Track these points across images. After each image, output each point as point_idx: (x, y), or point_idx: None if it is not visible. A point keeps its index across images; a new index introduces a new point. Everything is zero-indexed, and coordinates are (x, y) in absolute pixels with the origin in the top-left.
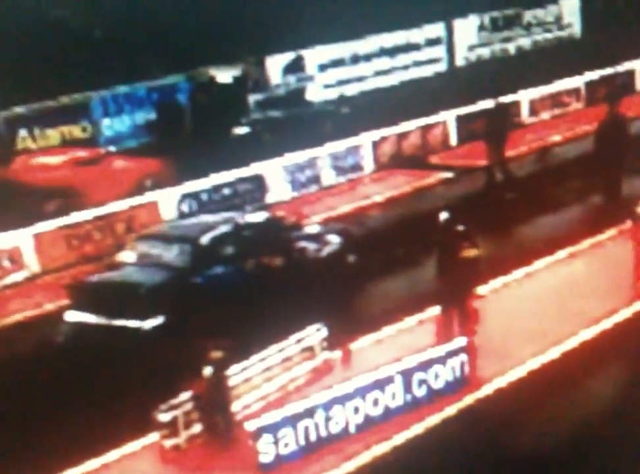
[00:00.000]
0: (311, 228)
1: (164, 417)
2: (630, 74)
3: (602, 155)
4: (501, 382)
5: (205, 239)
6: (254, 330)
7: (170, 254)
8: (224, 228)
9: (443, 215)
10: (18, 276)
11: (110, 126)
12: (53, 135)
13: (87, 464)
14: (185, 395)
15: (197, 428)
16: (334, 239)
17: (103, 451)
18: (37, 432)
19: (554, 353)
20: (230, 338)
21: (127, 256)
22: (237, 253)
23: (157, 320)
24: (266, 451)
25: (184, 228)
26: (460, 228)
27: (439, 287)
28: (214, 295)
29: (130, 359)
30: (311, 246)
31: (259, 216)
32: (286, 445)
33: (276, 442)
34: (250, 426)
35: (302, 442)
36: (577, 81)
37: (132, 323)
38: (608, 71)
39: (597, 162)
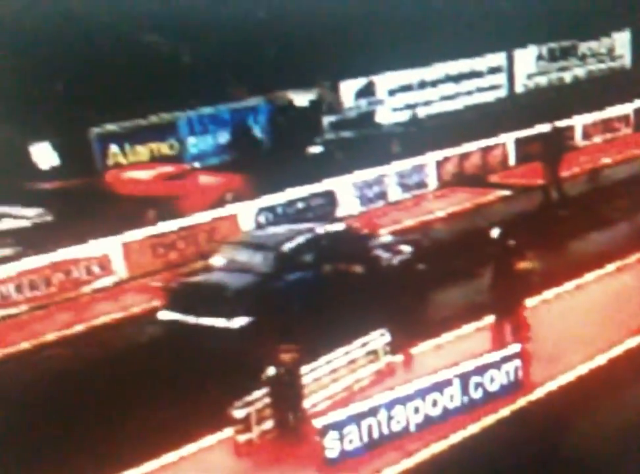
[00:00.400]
0: (384, 238)
1: (238, 413)
2: None
3: None
4: (552, 386)
5: (286, 248)
6: (324, 333)
7: (255, 260)
8: (303, 237)
9: (495, 232)
10: (107, 281)
11: (195, 144)
12: (143, 151)
13: (165, 457)
14: (258, 393)
15: (269, 424)
16: (406, 249)
17: (181, 445)
18: (121, 425)
19: (601, 360)
20: (303, 339)
21: (216, 261)
22: (314, 260)
23: (243, 320)
24: (332, 447)
25: (267, 236)
26: (512, 242)
27: (493, 297)
28: (292, 299)
29: (214, 356)
30: (384, 254)
31: (336, 227)
32: (351, 441)
33: (341, 439)
34: (318, 423)
35: (365, 439)
36: (626, 108)
37: (220, 322)
38: None
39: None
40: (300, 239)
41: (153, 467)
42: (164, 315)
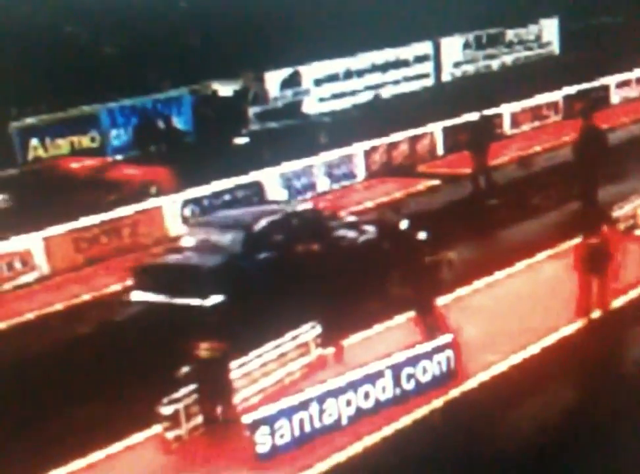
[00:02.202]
0: (349, 218)
1: (166, 410)
2: (605, 88)
3: (579, 164)
4: (484, 376)
5: (256, 227)
6: (255, 327)
7: (225, 240)
8: (272, 217)
9: (403, 224)
10: (29, 278)
11: (117, 136)
12: (64, 144)
13: (92, 455)
14: (186, 389)
15: (198, 420)
16: (370, 229)
17: (109, 443)
18: (46, 425)
19: (534, 349)
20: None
21: (186, 241)
22: (283, 239)
23: (215, 299)
24: (263, 442)
25: (236, 216)
26: (422, 235)
27: (409, 290)
28: (262, 278)
29: (145, 348)
30: (349, 233)
31: (304, 206)
32: (282, 436)
33: (272, 433)
34: (248, 418)
35: (297, 433)
36: (555, 96)
37: (193, 301)
38: (585, 86)
39: (575, 171)
40: (269, 219)
41: (79, 466)
42: (137, 296)
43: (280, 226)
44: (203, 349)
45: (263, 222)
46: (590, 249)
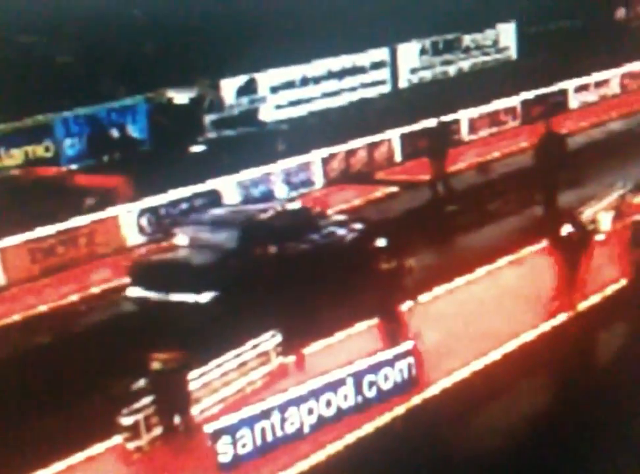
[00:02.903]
0: (338, 216)
1: (126, 421)
2: (563, 93)
3: (539, 169)
4: (446, 382)
5: (249, 225)
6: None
7: (219, 237)
8: (264, 215)
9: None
10: None
11: (72, 145)
12: (18, 154)
13: (52, 467)
14: (146, 400)
15: (159, 430)
16: (358, 226)
17: (69, 454)
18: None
19: (495, 355)
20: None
21: (180, 240)
22: (275, 236)
23: (210, 295)
24: (225, 451)
25: (229, 215)
26: (380, 242)
27: (370, 297)
28: (255, 273)
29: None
30: (338, 231)
31: (293, 205)
32: (244, 445)
33: (234, 443)
34: (209, 428)
35: (259, 442)
36: (513, 101)
37: (190, 297)
38: (543, 91)
39: (535, 175)
40: (261, 217)
41: None
42: (133, 292)
43: (245, 231)
44: (160, 360)
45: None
46: (564, 248)
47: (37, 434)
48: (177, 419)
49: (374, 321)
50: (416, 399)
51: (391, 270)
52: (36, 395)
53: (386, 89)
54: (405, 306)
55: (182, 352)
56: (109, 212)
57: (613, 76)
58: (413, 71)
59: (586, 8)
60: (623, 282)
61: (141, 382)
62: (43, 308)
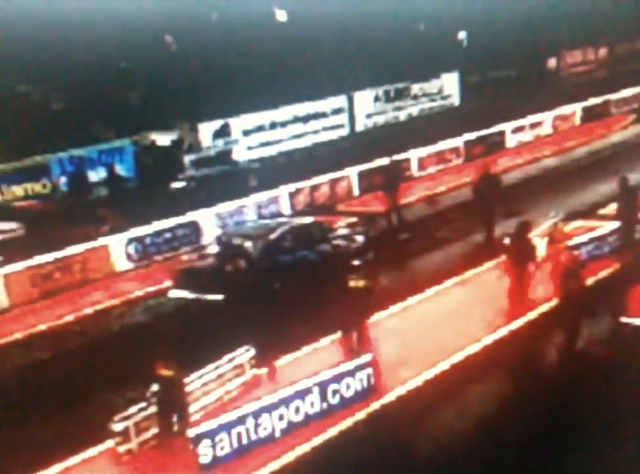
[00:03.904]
0: (342, 230)
1: (117, 427)
2: (501, 134)
3: (478, 202)
4: (401, 390)
5: (271, 237)
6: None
7: (246, 246)
8: (282, 228)
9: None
10: None
11: (66, 183)
12: (18, 190)
13: (52, 468)
14: (135, 407)
15: (147, 435)
16: (359, 239)
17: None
18: (7, 440)
19: (444, 365)
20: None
21: (212, 249)
22: (292, 246)
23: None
24: (205, 453)
25: (253, 228)
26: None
27: (336, 314)
28: (276, 277)
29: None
30: (342, 243)
31: (306, 220)
32: (222, 448)
33: (213, 446)
34: (192, 432)
35: (235, 445)
36: (457, 142)
37: (222, 297)
38: (483, 132)
39: (475, 208)
40: (280, 230)
41: None
42: (174, 294)
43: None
44: (164, 368)
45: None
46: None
47: (37, 439)
48: (174, 423)
49: (337, 336)
50: (375, 405)
51: (355, 290)
52: (36, 405)
53: (344, 132)
54: (366, 322)
55: (179, 362)
56: (100, 241)
57: (545, 118)
58: (368, 116)
59: (520, 59)
60: (555, 300)
61: (132, 392)
62: (42, 327)
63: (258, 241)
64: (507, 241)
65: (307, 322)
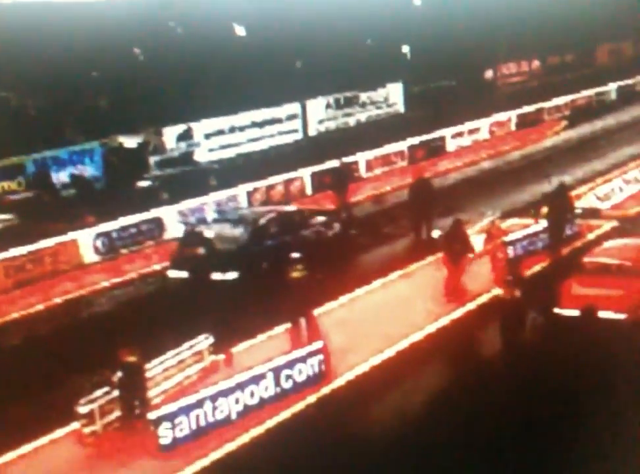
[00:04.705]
0: (321, 217)
1: (83, 410)
2: (442, 139)
3: (414, 204)
4: (350, 375)
5: (260, 222)
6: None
7: (238, 231)
8: (270, 215)
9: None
10: None
11: (38, 181)
12: None
13: (22, 448)
14: (100, 391)
15: (111, 417)
16: (337, 225)
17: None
18: None
19: (390, 352)
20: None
21: (207, 233)
22: (278, 231)
23: (233, 274)
24: (165, 435)
25: (243, 215)
26: (293, 255)
27: (284, 304)
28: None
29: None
30: (322, 229)
31: (290, 208)
32: (181, 430)
33: (173, 428)
34: (152, 415)
35: (194, 427)
36: (401, 146)
37: (217, 276)
38: (425, 137)
39: (411, 209)
40: (269, 216)
41: (12, 457)
42: (173, 273)
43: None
44: (127, 355)
45: None
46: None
47: (7, 420)
48: (136, 406)
49: (291, 325)
50: (325, 390)
51: (306, 282)
52: (7, 388)
53: (298, 136)
54: (316, 312)
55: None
56: (70, 236)
57: (483, 125)
58: (320, 122)
59: (459, 71)
60: (494, 291)
61: (97, 377)
62: (15, 315)
63: (248, 227)
64: (436, 235)
65: (263, 312)
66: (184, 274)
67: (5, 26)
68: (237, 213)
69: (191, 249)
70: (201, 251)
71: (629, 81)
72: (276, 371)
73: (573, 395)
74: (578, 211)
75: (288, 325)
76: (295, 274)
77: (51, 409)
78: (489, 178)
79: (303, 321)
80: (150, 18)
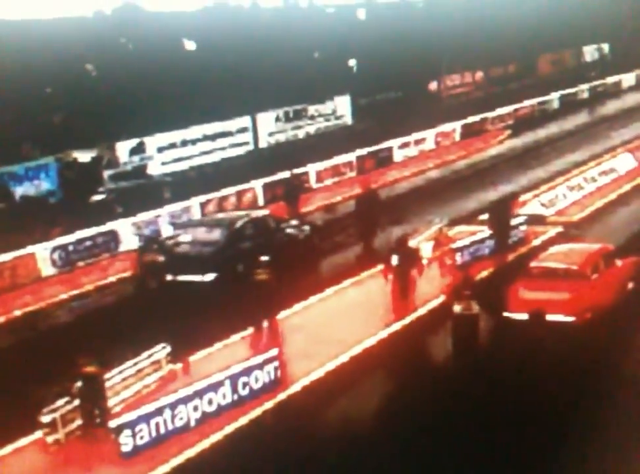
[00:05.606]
0: (293, 221)
1: (45, 419)
2: (389, 149)
3: (360, 214)
4: (305, 381)
5: (235, 225)
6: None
7: (214, 235)
8: (244, 219)
9: None
10: None
11: None
12: None
13: None
14: (61, 401)
15: (73, 426)
16: (306, 228)
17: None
18: None
19: (344, 358)
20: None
21: (183, 238)
22: (252, 234)
23: (211, 276)
24: (126, 442)
25: (219, 219)
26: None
27: (246, 309)
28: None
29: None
30: (293, 231)
31: (263, 212)
32: (142, 437)
33: (133, 435)
34: (113, 423)
35: (154, 434)
36: (350, 157)
37: (196, 278)
38: (373, 148)
39: (358, 219)
40: (242, 220)
41: None
42: (152, 275)
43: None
44: (86, 365)
45: None
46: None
47: None
48: (96, 415)
49: (246, 333)
50: (282, 396)
51: (271, 284)
52: None
53: (249, 148)
54: (271, 318)
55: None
56: (28, 249)
57: (429, 135)
58: (270, 134)
59: (405, 83)
60: (442, 297)
61: (58, 387)
62: None
63: (223, 230)
64: (390, 255)
65: (220, 320)
66: (152, 282)
67: None
68: (212, 218)
69: (152, 256)
70: (162, 258)
71: (571, 90)
72: (233, 379)
73: (523, 398)
74: (521, 219)
75: (246, 333)
76: (261, 277)
77: (14, 419)
78: (436, 187)
79: (265, 325)
80: (102, 34)
